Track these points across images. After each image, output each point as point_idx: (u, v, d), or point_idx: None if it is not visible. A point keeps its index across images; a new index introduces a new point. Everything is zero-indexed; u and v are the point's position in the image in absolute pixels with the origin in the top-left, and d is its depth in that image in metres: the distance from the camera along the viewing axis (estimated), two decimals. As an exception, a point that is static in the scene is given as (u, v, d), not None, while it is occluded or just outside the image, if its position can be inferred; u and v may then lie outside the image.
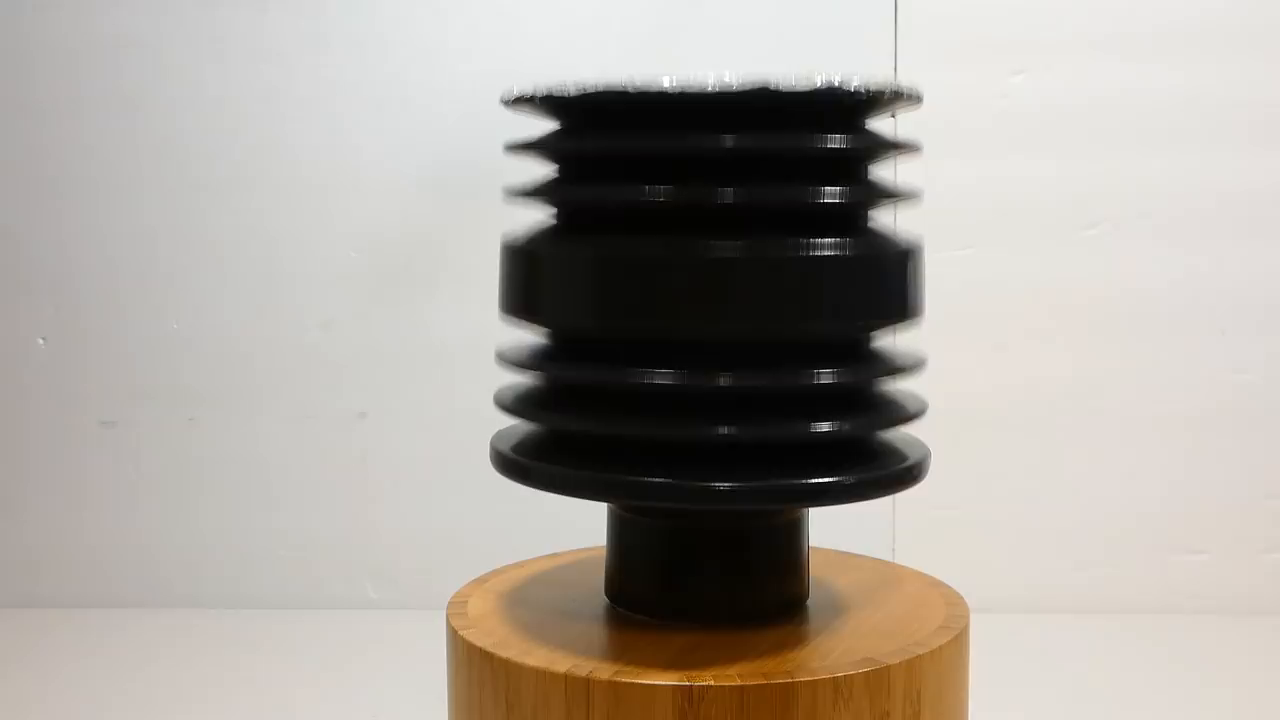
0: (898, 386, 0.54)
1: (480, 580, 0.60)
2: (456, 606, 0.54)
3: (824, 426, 0.48)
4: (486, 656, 0.49)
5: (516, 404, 0.52)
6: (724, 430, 0.47)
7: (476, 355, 1.23)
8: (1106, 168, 1.23)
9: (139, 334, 1.28)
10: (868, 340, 0.52)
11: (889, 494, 0.51)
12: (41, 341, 1.29)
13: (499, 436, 0.54)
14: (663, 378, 0.47)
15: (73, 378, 1.29)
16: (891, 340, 0.53)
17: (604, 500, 0.49)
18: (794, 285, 0.47)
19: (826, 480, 0.47)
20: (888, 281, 0.50)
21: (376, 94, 1.25)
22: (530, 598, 0.56)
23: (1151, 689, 1.05)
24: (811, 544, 0.63)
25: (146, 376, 1.29)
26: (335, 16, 1.25)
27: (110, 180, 1.27)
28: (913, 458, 0.51)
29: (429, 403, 1.27)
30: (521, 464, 0.50)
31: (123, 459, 1.29)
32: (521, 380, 0.54)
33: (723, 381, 0.47)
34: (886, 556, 0.70)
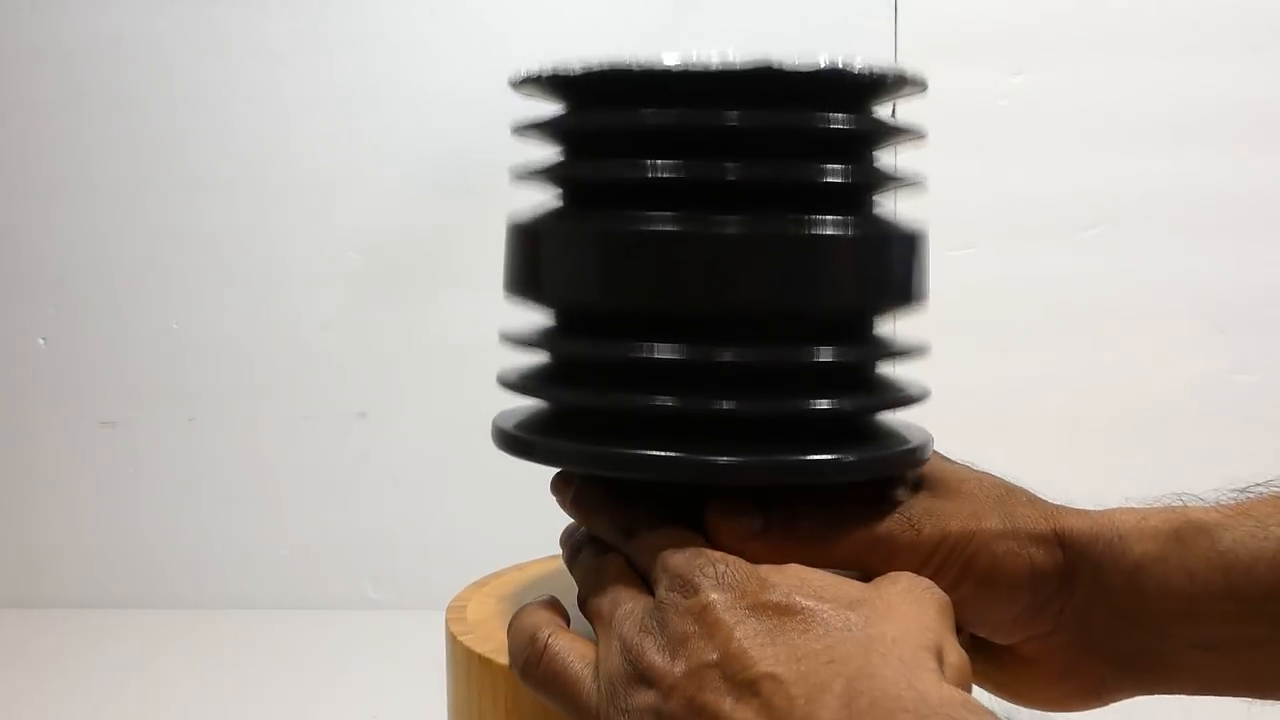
0: (900, 370, 0.54)
1: (479, 584, 0.59)
2: (455, 611, 0.54)
3: (826, 404, 0.48)
4: (486, 663, 0.49)
5: (520, 381, 0.52)
6: (724, 405, 0.47)
7: (477, 355, 1.23)
8: (1106, 168, 1.23)
9: (139, 334, 1.28)
10: (871, 322, 0.52)
11: (891, 474, 0.51)
12: (41, 341, 1.29)
13: (501, 416, 0.54)
14: (664, 352, 0.47)
15: (73, 378, 1.29)
16: (893, 325, 0.53)
17: (604, 474, 0.49)
18: (797, 262, 0.47)
19: (828, 457, 0.47)
20: (892, 263, 0.50)
21: (377, 94, 1.25)
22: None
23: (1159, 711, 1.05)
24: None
25: (146, 376, 1.29)
26: (335, 16, 1.25)
27: (110, 180, 1.27)
28: (915, 440, 0.51)
29: (429, 403, 1.27)
30: (524, 440, 0.50)
31: (123, 459, 1.29)
32: (525, 360, 0.54)
33: (725, 357, 0.47)
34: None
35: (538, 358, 0.53)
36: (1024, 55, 1.22)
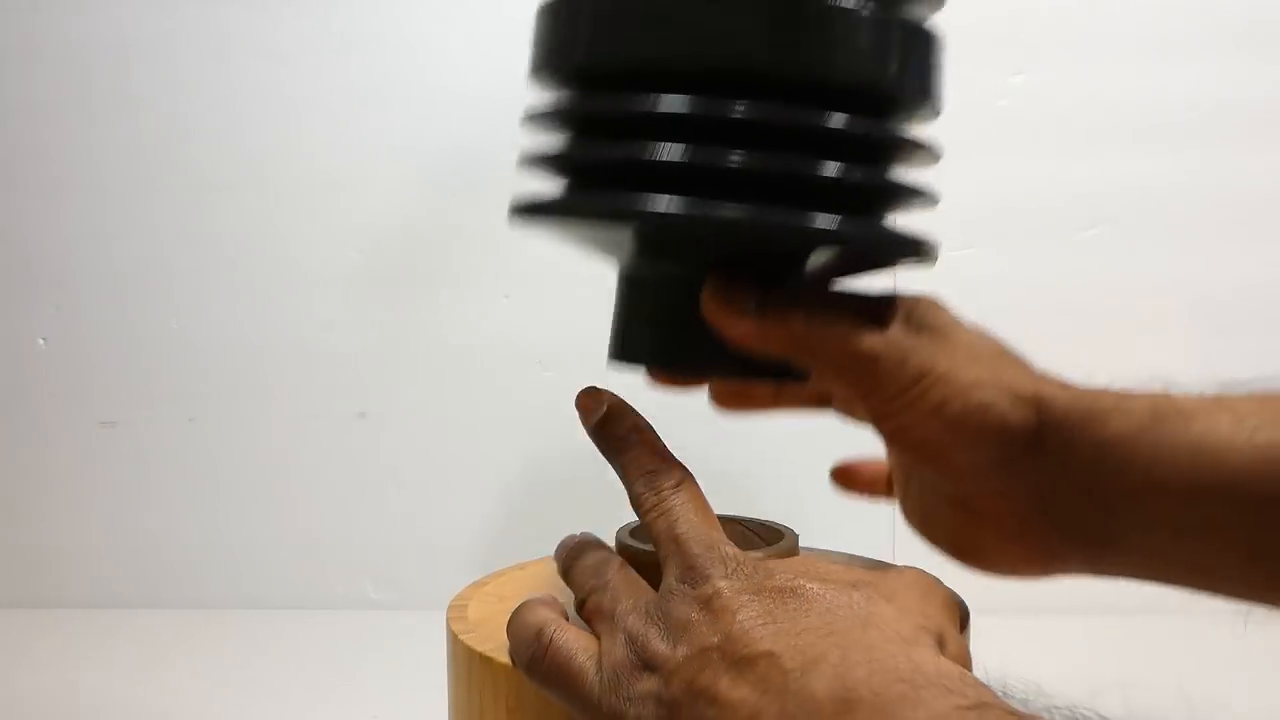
0: (914, 176, 0.54)
1: (480, 584, 0.59)
2: (456, 610, 0.54)
3: (839, 170, 0.49)
4: (487, 661, 0.49)
5: (536, 157, 0.53)
6: (733, 159, 0.47)
7: (478, 356, 1.23)
8: (1106, 168, 1.23)
9: (139, 334, 1.28)
10: (888, 103, 0.52)
11: (900, 258, 0.52)
12: (41, 341, 1.29)
13: (515, 197, 0.55)
14: (674, 106, 0.47)
15: (73, 378, 1.29)
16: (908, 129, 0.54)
17: (614, 223, 0.50)
18: (818, 26, 0.48)
19: (838, 219, 0.48)
20: (908, 48, 0.51)
21: (383, 94, 1.25)
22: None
23: (1155, 689, 1.05)
24: (808, 545, 0.63)
25: (146, 376, 1.29)
26: (341, 16, 1.25)
27: (112, 180, 1.27)
28: (924, 237, 0.52)
29: (429, 403, 1.27)
30: (538, 203, 0.51)
31: (123, 459, 1.29)
32: (544, 143, 0.55)
33: (736, 112, 0.47)
34: (886, 557, 0.70)
35: (554, 128, 0.54)
36: (1024, 55, 1.23)
